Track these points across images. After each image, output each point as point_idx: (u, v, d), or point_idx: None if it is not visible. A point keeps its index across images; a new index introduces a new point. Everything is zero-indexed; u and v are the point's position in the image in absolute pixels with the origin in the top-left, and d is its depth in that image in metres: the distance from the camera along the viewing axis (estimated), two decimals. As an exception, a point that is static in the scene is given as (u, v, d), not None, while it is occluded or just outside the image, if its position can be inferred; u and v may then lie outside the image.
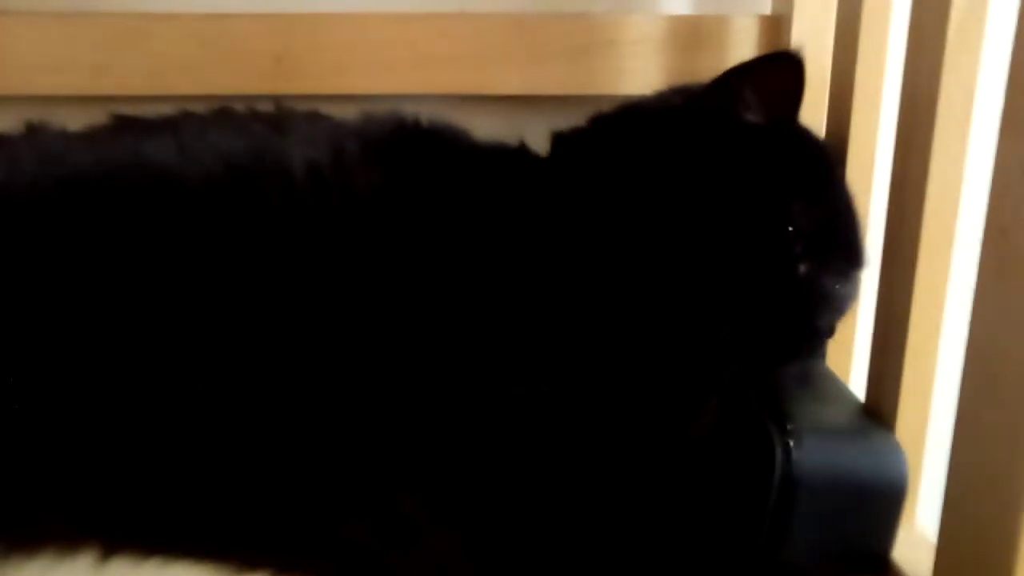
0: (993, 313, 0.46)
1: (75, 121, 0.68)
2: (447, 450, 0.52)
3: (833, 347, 0.71)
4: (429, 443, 0.52)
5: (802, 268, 0.59)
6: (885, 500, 0.57)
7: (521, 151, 0.67)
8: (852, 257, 0.63)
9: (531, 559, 0.48)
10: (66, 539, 0.59)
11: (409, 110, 0.68)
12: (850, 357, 0.72)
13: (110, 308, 0.55)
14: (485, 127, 0.70)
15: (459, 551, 0.49)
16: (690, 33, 0.83)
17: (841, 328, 0.67)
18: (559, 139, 0.68)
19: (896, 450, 0.58)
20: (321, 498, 0.53)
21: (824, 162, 0.63)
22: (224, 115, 0.67)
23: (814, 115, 0.71)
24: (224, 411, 0.54)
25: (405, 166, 0.62)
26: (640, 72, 0.83)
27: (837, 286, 0.61)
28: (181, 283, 0.55)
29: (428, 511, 0.51)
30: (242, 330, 0.55)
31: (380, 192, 0.60)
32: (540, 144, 0.69)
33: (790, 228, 0.58)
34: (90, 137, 0.64)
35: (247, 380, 0.54)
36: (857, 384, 0.68)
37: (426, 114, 0.68)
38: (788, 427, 0.57)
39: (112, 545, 0.59)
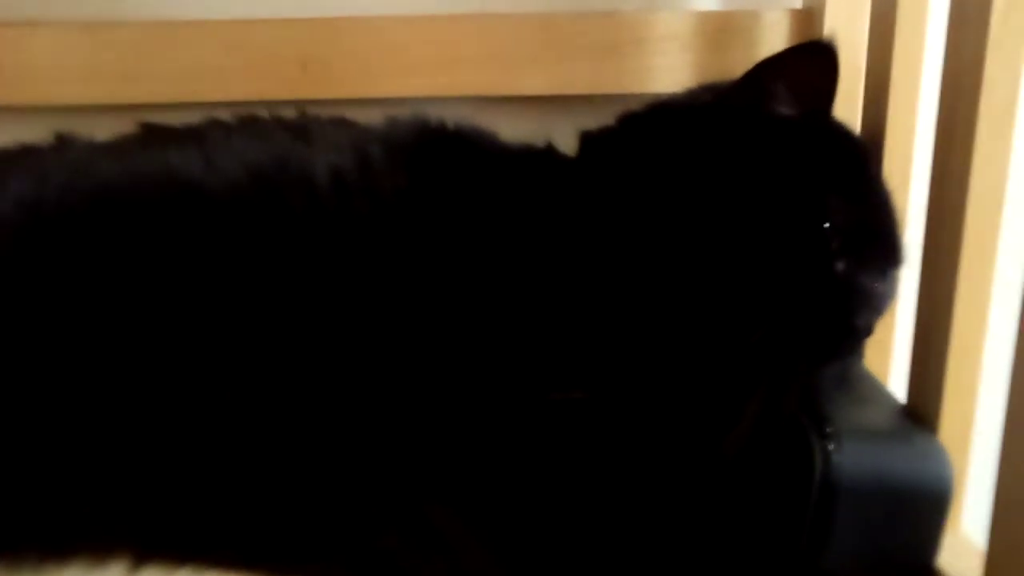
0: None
1: (103, 130, 0.69)
2: (480, 460, 0.51)
3: (871, 347, 0.69)
4: (461, 453, 0.51)
5: (839, 265, 0.57)
6: (929, 505, 0.56)
7: (549, 152, 0.67)
8: (890, 255, 0.61)
9: (567, 570, 0.47)
10: (98, 547, 0.58)
11: (435, 113, 0.68)
12: (889, 358, 0.71)
13: (140, 319, 0.55)
14: (512, 128, 0.69)
15: (493, 565, 0.48)
16: (720, 29, 0.81)
17: (879, 328, 0.66)
18: (588, 139, 0.67)
19: (940, 453, 0.56)
20: (352, 507, 0.53)
21: (860, 157, 0.62)
22: (249, 123, 0.67)
23: (849, 110, 0.70)
24: (254, 420, 0.54)
25: (430, 170, 0.61)
26: (669, 70, 0.82)
27: (875, 284, 0.59)
28: (209, 294, 0.55)
29: (461, 523, 0.50)
30: (271, 339, 0.54)
31: (405, 197, 0.59)
32: (568, 145, 0.68)
33: (826, 224, 0.56)
34: (117, 148, 0.65)
35: (278, 388, 0.54)
36: (896, 385, 0.66)
37: (452, 117, 0.68)
38: (827, 430, 0.55)
39: (144, 554, 0.59)
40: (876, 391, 0.65)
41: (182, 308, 0.55)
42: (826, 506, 0.54)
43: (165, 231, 0.56)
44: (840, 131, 0.62)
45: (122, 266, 0.55)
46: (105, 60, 0.80)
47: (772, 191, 0.57)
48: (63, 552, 0.59)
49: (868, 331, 0.60)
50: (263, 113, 0.68)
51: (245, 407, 0.54)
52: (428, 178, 0.60)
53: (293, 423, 0.54)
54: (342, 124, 0.67)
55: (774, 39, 0.81)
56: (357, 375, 0.54)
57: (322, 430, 0.53)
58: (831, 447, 0.54)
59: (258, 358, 0.54)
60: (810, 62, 0.60)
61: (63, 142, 0.66)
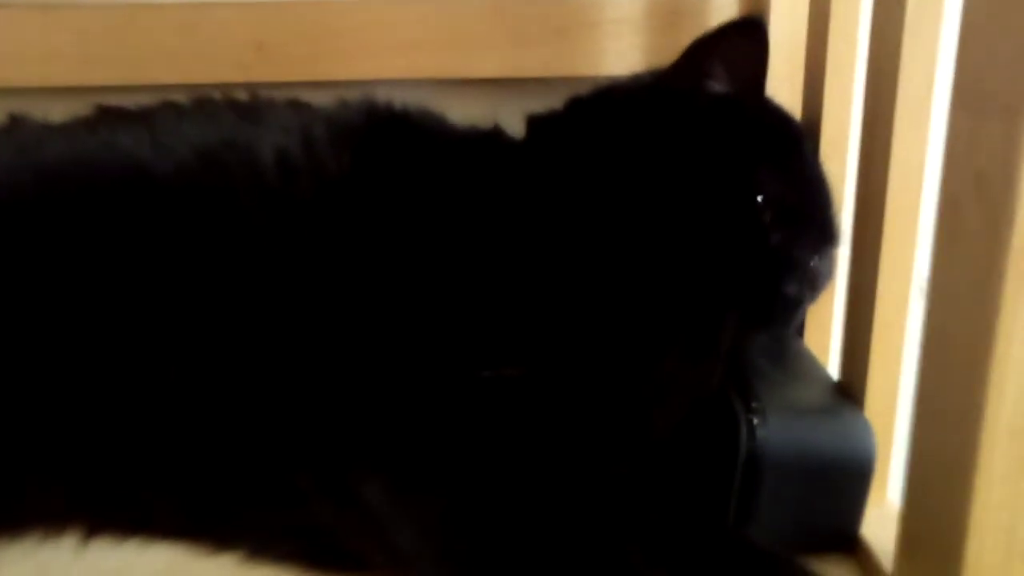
0: (946, 289, 0.46)
1: (60, 112, 0.69)
2: (411, 435, 0.52)
3: (811, 326, 0.71)
4: (392, 427, 0.52)
5: (774, 237, 0.59)
6: (852, 478, 0.58)
7: (495, 135, 0.68)
8: (825, 233, 0.63)
9: (496, 548, 0.48)
10: (52, 520, 0.61)
11: (389, 95, 0.68)
12: (828, 335, 0.72)
13: (83, 295, 0.56)
14: (466, 111, 0.70)
15: (423, 543, 0.50)
16: (670, 12, 0.82)
17: (819, 306, 0.68)
18: (534, 122, 0.68)
19: (864, 428, 0.58)
20: (286, 478, 0.54)
21: (793, 134, 0.64)
22: (200, 105, 0.68)
23: (790, 95, 0.71)
24: (195, 392, 0.55)
25: (375, 151, 0.62)
26: (622, 52, 0.83)
27: (810, 259, 0.61)
28: (152, 271, 0.56)
29: (390, 499, 0.51)
30: (209, 313, 0.56)
31: (349, 177, 0.60)
32: (520, 128, 0.68)
33: (759, 197, 0.58)
34: (67, 130, 0.65)
35: (216, 361, 0.56)
36: (834, 363, 0.68)
37: (405, 99, 0.68)
38: (753, 405, 0.57)
39: (94, 526, 0.61)
40: (811, 368, 0.66)
41: (125, 284, 0.56)
42: (751, 479, 0.56)
43: (111, 211, 0.57)
44: (774, 109, 0.64)
45: (66, 246, 0.56)
46: (61, 42, 0.80)
47: (705, 165, 0.59)
48: (17, 525, 0.61)
49: (800, 300, 0.61)
50: (216, 95, 0.69)
51: (184, 377, 0.55)
52: (372, 160, 0.61)
53: (229, 392, 0.55)
54: (293, 106, 0.68)
55: (724, 21, 0.81)
56: (292, 346, 0.55)
57: (257, 397, 0.55)
58: (756, 421, 0.56)
59: (198, 332, 0.56)
60: (741, 39, 0.61)
61: (15, 123, 0.67)
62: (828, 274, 0.64)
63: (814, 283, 0.63)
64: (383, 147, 0.63)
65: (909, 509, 0.51)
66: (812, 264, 0.62)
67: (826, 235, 0.63)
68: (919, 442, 0.50)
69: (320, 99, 0.69)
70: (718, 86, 0.61)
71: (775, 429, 0.56)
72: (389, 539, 0.51)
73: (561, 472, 0.54)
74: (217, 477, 0.57)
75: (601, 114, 0.65)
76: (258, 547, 0.57)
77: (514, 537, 0.48)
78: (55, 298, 0.56)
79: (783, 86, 0.70)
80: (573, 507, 0.52)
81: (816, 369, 0.66)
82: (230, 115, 0.65)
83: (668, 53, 0.78)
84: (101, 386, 0.56)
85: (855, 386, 0.62)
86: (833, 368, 0.68)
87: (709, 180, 0.59)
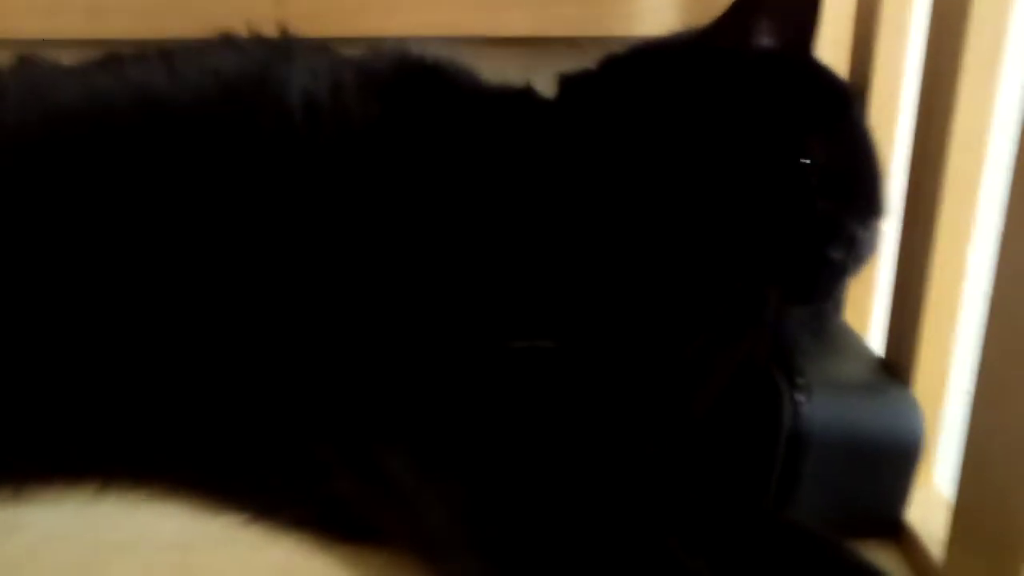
0: (1019, 261, 0.43)
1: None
2: (439, 408, 0.49)
3: (852, 301, 0.68)
4: (419, 398, 0.50)
5: (820, 203, 0.56)
6: (899, 459, 0.55)
7: (527, 93, 0.64)
8: (872, 202, 0.60)
9: (528, 536, 0.45)
10: (68, 474, 0.60)
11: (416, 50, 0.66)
12: (869, 311, 0.69)
13: (96, 237, 0.54)
14: (494, 71, 0.67)
15: (450, 520, 0.47)
16: (708, -30, 0.79)
17: (860, 280, 0.65)
18: (567, 81, 0.65)
19: (912, 407, 0.56)
20: (307, 446, 0.52)
21: (842, 98, 0.60)
22: (226, 40, 0.65)
23: (836, 54, 0.67)
24: (213, 343, 0.54)
25: (403, 103, 0.59)
26: (656, 11, 0.80)
27: (856, 227, 0.58)
28: (166, 208, 0.54)
29: (417, 475, 0.48)
30: (227, 256, 0.54)
31: (376, 127, 0.58)
32: (550, 90, 0.65)
33: (806, 160, 0.55)
34: (79, 69, 0.63)
35: (234, 312, 0.54)
36: (876, 340, 0.65)
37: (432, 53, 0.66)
38: (798, 381, 0.54)
39: (111, 474, 0.60)
40: (853, 344, 0.64)
41: (140, 222, 0.54)
42: (794, 458, 0.54)
43: (124, 147, 0.56)
44: (823, 70, 0.60)
45: (78, 185, 0.54)
46: (71, -8, 0.78)
47: (750, 127, 0.56)
48: (36, 477, 0.60)
49: (844, 270, 0.58)
50: (243, 34, 0.66)
51: (204, 330, 0.54)
52: (400, 111, 0.59)
53: (248, 341, 0.53)
54: (323, 50, 0.65)
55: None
56: (312, 300, 0.53)
57: (276, 351, 0.53)
58: (801, 398, 0.54)
59: (216, 280, 0.54)
60: None
61: (24, 64, 0.65)
62: (872, 246, 0.61)
63: (859, 253, 0.59)
64: (412, 99, 0.60)
65: (964, 495, 0.49)
66: (857, 234, 0.59)
67: (873, 205, 0.60)
68: (977, 423, 0.48)
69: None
70: (765, 43, 0.58)
71: (820, 406, 0.54)
72: (415, 518, 0.48)
73: (596, 452, 0.51)
74: (233, 435, 0.55)
75: (639, 73, 0.62)
76: (271, 509, 0.55)
77: (547, 524, 0.46)
78: (70, 241, 0.54)
79: (828, 45, 0.67)
80: (608, 490, 0.49)
81: (859, 344, 0.63)
82: (258, 50, 0.63)
83: (703, 12, 0.75)
84: (119, 333, 0.54)
85: (901, 363, 0.59)
86: (873, 344, 0.65)
87: (755, 143, 0.56)
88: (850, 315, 0.68)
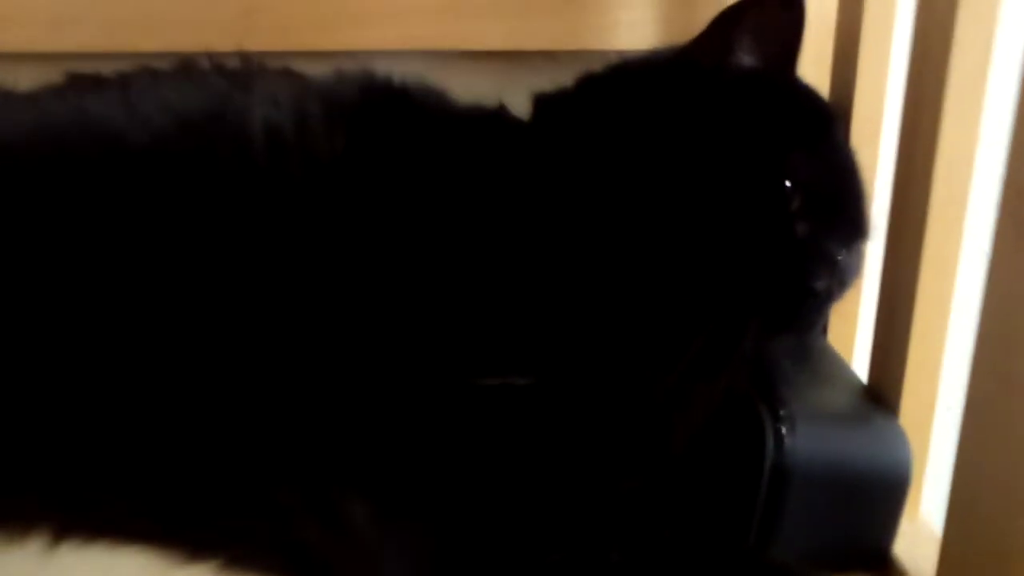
0: (1009, 285, 0.42)
1: (29, 81, 0.63)
2: (403, 453, 0.47)
3: (835, 323, 0.66)
4: (382, 441, 0.47)
5: (800, 227, 0.54)
6: (886, 491, 0.53)
7: (499, 115, 0.62)
8: (855, 225, 0.58)
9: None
10: (21, 520, 0.56)
11: (385, 67, 0.63)
12: (853, 333, 0.68)
13: (48, 282, 0.51)
14: (468, 86, 0.64)
15: (411, 570, 0.45)
16: (688, -19, 0.77)
17: (844, 303, 0.63)
18: (542, 101, 0.63)
19: (899, 437, 0.54)
20: (268, 490, 0.50)
21: (825, 117, 0.59)
22: (183, 69, 0.62)
23: (817, 72, 0.66)
24: (167, 390, 0.51)
25: (371, 131, 0.57)
26: (635, 24, 0.78)
27: (839, 253, 0.56)
28: (123, 258, 0.51)
29: (380, 522, 0.46)
30: (183, 303, 0.51)
31: (342, 160, 0.55)
32: (525, 105, 0.63)
33: (787, 183, 0.53)
34: (32, 97, 0.60)
35: (191, 357, 0.51)
36: (860, 363, 0.64)
37: (401, 72, 0.63)
38: (781, 412, 0.53)
39: (64, 527, 0.56)
40: (837, 369, 0.62)
41: (94, 271, 0.51)
42: (777, 492, 0.52)
43: (77, 186, 0.52)
44: (805, 90, 0.59)
45: (25, 226, 0.51)
46: (35, 4, 0.75)
47: (731, 149, 0.54)
48: None
49: (828, 299, 0.56)
50: (202, 60, 0.64)
51: (161, 374, 0.51)
52: (367, 142, 0.56)
53: (203, 394, 0.50)
54: (286, 75, 0.63)
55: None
56: (271, 345, 0.50)
57: (236, 400, 0.50)
58: (784, 430, 0.52)
59: (170, 324, 0.51)
60: (775, 9, 0.56)
61: None
62: (856, 270, 0.59)
63: (842, 279, 0.58)
64: (379, 127, 0.57)
65: (952, 530, 0.47)
66: (840, 258, 0.57)
67: (856, 227, 0.58)
68: (965, 455, 0.46)
69: (313, 71, 0.64)
70: (747, 61, 0.56)
71: (804, 438, 0.52)
72: (377, 567, 0.46)
73: (569, 495, 0.49)
74: (193, 483, 0.52)
75: (616, 93, 0.60)
76: (236, 558, 0.53)
77: (512, 565, 0.43)
78: (18, 285, 0.51)
79: (809, 63, 0.65)
80: (582, 533, 0.47)
81: (843, 370, 0.62)
82: (216, 82, 0.60)
83: (684, 25, 0.73)
84: (71, 381, 0.51)
85: (887, 390, 0.57)
86: (857, 366, 0.63)
87: (735, 166, 0.54)
88: (833, 337, 0.67)
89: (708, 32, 0.57)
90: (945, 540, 0.48)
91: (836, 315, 0.66)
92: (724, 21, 0.56)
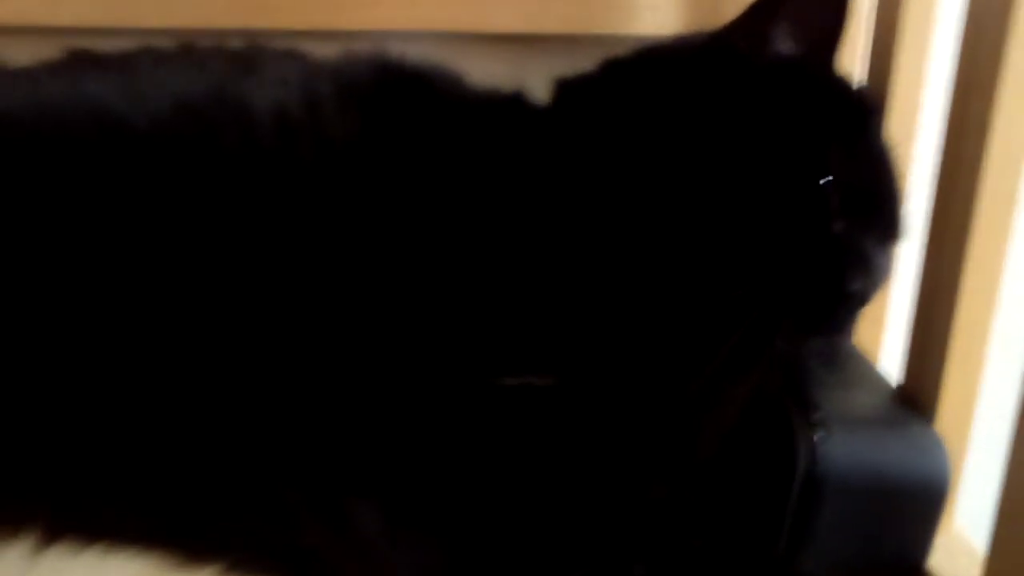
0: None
1: (26, 56, 0.61)
2: (415, 454, 0.45)
3: (861, 325, 0.64)
4: (393, 442, 0.45)
5: (838, 225, 0.52)
6: (923, 502, 0.51)
7: (518, 100, 0.60)
8: (890, 225, 0.56)
9: None
10: (13, 521, 0.54)
11: (396, 49, 0.61)
12: (880, 336, 0.65)
13: (40, 271, 0.49)
14: (483, 70, 0.62)
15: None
16: (713, -36, 0.75)
17: (872, 302, 0.60)
18: (564, 87, 0.60)
19: (936, 444, 0.51)
20: (272, 493, 0.47)
21: (864, 107, 0.56)
22: (185, 51, 0.60)
23: (850, 62, 0.63)
24: (168, 386, 0.48)
25: (385, 115, 0.55)
26: (658, 8, 0.76)
27: (875, 256, 0.54)
28: (122, 247, 0.49)
29: (391, 531, 0.44)
30: (185, 296, 0.48)
31: (355, 144, 0.53)
32: (542, 91, 0.61)
33: (827, 178, 0.51)
34: (29, 74, 0.57)
35: (193, 351, 0.48)
36: (887, 365, 0.61)
37: (415, 54, 0.61)
38: (813, 417, 0.50)
39: (57, 529, 0.54)
40: (866, 372, 0.59)
41: (90, 261, 0.49)
42: (809, 501, 0.49)
43: (73, 170, 0.50)
44: (844, 81, 0.57)
45: (15, 212, 0.49)
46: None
47: (767, 142, 0.52)
48: None
49: (862, 300, 0.55)
50: (204, 42, 0.61)
51: (164, 370, 0.48)
52: (381, 126, 0.54)
53: (205, 391, 0.48)
54: (293, 57, 0.61)
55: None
56: (278, 342, 0.48)
57: (240, 396, 0.48)
58: (817, 437, 0.49)
59: (171, 317, 0.48)
60: None
61: None
62: (887, 271, 0.58)
63: (875, 280, 0.56)
64: (394, 112, 0.55)
65: (1000, 546, 0.45)
66: (876, 259, 0.55)
67: (892, 227, 0.56)
68: (1017, 465, 0.43)
69: (322, 52, 0.62)
70: (784, 49, 0.54)
71: (837, 444, 0.49)
72: (381, 571, 0.43)
73: (589, 501, 0.46)
74: (195, 484, 0.50)
75: (646, 78, 0.57)
76: (239, 563, 0.50)
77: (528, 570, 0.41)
78: (10, 272, 0.49)
79: (842, 52, 0.63)
80: (602, 541, 0.44)
81: (873, 374, 0.59)
82: (220, 63, 0.58)
83: (708, 11, 0.71)
84: (68, 376, 0.49)
85: (923, 396, 0.54)
86: (885, 371, 0.60)
87: (771, 160, 0.52)
88: (858, 339, 0.64)
89: (744, 18, 0.55)
90: (991, 556, 0.46)
91: (862, 317, 0.63)
92: (762, 7, 0.54)
